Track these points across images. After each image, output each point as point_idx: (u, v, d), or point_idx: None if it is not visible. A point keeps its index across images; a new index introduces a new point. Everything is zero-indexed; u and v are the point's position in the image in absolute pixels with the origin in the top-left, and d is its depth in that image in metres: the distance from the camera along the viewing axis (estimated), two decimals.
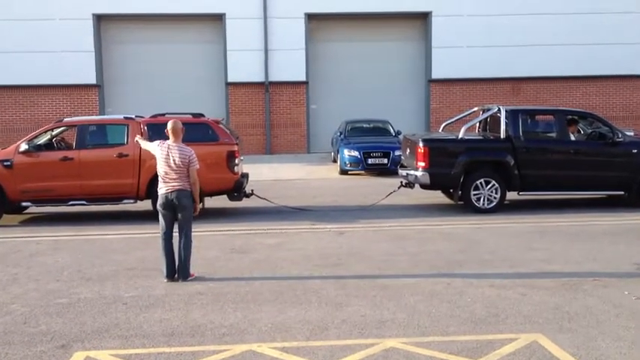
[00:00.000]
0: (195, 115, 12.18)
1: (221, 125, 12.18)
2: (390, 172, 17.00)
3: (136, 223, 11.43)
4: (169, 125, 7.67)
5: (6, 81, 23.33)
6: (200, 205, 8.12)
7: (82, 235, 10.56)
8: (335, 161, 20.06)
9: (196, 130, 11.63)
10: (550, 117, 13.65)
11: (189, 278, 7.62)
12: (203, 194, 11.52)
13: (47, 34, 23.10)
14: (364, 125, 20.87)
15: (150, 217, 11.35)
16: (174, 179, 7.54)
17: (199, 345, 5.59)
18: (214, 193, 11.93)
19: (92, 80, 23.71)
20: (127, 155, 11.56)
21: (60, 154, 11.74)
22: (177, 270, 7.65)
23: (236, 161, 11.75)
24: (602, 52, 24.04)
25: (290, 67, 23.92)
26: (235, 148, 11.81)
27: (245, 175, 12.75)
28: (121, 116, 12.80)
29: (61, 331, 5.98)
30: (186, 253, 7.63)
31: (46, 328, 6.08)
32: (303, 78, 24.23)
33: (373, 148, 18.27)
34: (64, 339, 5.77)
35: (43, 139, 12.10)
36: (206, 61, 24.54)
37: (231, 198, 12.13)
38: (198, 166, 7.67)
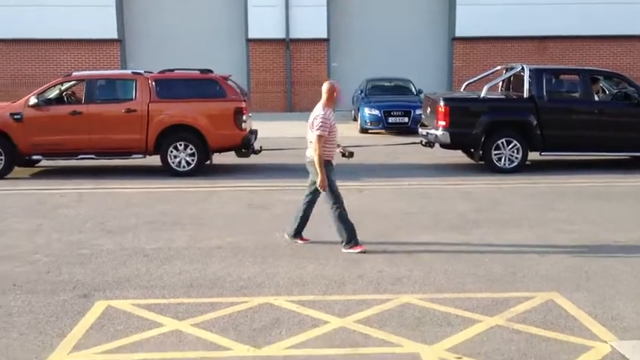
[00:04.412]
0: (203, 71, 12.12)
1: (229, 81, 12.13)
2: (411, 131, 16.88)
3: (158, 177, 11.52)
4: (323, 86, 6.99)
5: (27, 34, 23.34)
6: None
7: (104, 189, 10.70)
8: (355, 120, 19.93)
9: (204, 86, 11.77)
10: (575, 77, 13.41)
11: (301, 241, 7.29)
12: (211, 150, 11.66)
13: None
14: (385, 84, 20.64)
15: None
16: (309, 146, 6.96)
17: (218, 296, 5.69)
18: (222, 149, 11.95)
19: (114, 35, 23.69)
20: (135, 110, 11.57)
21: (69, 108, 11.74)
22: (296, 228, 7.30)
23: (244, 117, 11.68)
24: (631, 12, 23.41)
25: (311, 23, 23.64)
26: (243, 104, 11.75)
27: (253, 132, 12.69)
28: (129, 71, 12.82)
29: (83, 280, 6.12)
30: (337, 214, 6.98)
31: (68, 277, 6.21)
32: (324, 35, 23.97)
33: (394, 107, 18.11)
34: (86, 288, 5.90)
35: (52, 93, 12.11)
36: (227, 17, 24.33)
37: (239, 154, 12.12)
38: (319, 132, 6.72)
